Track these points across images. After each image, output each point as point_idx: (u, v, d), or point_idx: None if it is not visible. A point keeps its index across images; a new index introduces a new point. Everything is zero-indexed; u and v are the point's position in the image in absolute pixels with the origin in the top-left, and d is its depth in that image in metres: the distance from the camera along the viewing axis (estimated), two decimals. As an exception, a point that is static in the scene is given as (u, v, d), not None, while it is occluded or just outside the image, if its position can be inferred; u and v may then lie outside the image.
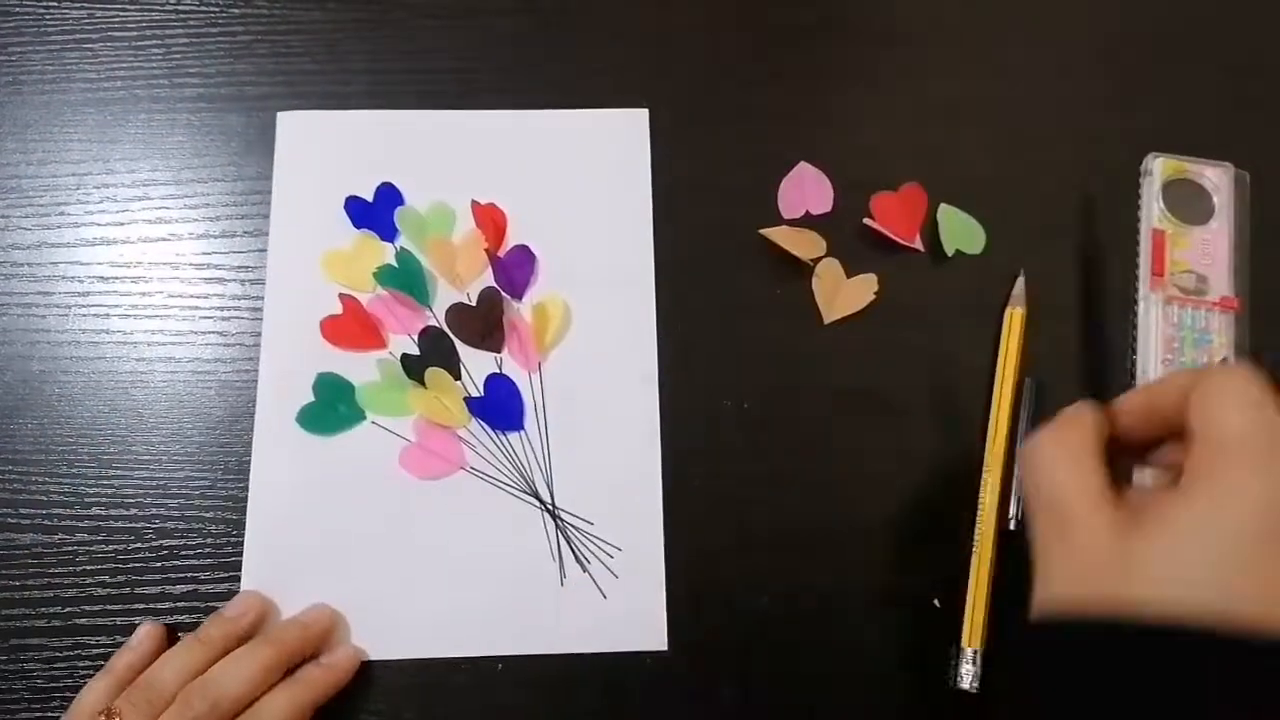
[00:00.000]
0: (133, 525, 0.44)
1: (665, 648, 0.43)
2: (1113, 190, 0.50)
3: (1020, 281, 0.48)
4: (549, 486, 0.45)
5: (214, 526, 0.45)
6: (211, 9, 0.52)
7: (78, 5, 0.52)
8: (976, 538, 0.44)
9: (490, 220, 0.49)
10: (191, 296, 0.48)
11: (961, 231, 0.49)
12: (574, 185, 0.50)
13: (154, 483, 0.45)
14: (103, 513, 0.45)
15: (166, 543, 0.44)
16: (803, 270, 0.48)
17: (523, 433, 0.46)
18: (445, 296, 0.48)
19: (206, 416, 0.46)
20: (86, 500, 0.45)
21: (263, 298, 0.48)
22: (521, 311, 0.48)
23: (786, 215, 0.49)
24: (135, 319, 0.48)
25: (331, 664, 0.42)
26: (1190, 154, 0.49)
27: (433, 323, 0.47)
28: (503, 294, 0.48)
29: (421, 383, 0.46)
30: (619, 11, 0.53)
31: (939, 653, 0.43)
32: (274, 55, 0.51)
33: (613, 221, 0.49)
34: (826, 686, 0.43)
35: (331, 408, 0.46)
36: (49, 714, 0.42)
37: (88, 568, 0.44)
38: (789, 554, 0.45)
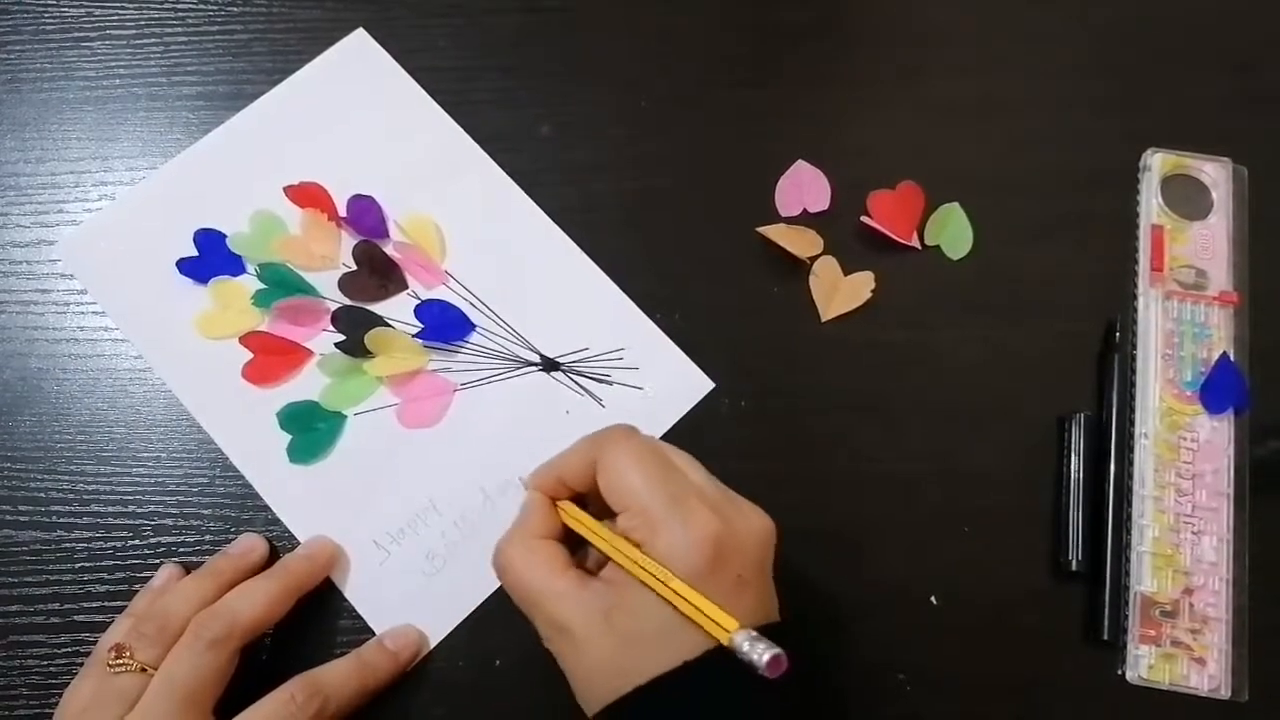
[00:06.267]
0: (131, 522, 0.44)
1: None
2: (1111, 186, 0.50)
3: None
4: (533, 349, 0.47)
5: (212, 524, 0.44)
6: (210, 7, 0.52)
7: (76, 3, 0.52)
8: None
9: (311, 196, 0.48)
10: (190, 294, 0.48)
11: (959, 229, 0.49)
12: (356, 125, 0.50)
13: (153, 480, 0.45)
14: (101, 510, 0.45)
15: (165, 540, 0.44)
16: (800, 268, 0.48)
17: (478, 329, 0.47)
18: (325, 279, 0.48)
19: (205, 414, 0.46)
20: (85, 497, 0.45)
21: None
22: (399, 243, 0.48)
23: (784, 213, 0.49)
24: (134, 317, 0.48)
25: (310, 555, 0.43)
26: (1188, 150, 0.49)
27: (335, 305, 0.47)
28: (372, 241, 0.48)
29: (368, 353, 0.46)
30: (619, 11, 0.53)
31: (939, 650, 0.43)
32: (273, 54, 0.51)
33: (413, 131, 0.50)
34: (827, 684, 0.43)
35: (311, 430, 0.45)
36: (47, 710, 0.42)
37: (86, 565, 0.44)
38: (786, 552, 0.45)
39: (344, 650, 0.42)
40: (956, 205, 0.49)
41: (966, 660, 0.44)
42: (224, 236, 0.48)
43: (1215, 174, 0.49)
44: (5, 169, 0.49)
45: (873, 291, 0.48)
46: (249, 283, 0.47)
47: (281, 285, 0.47)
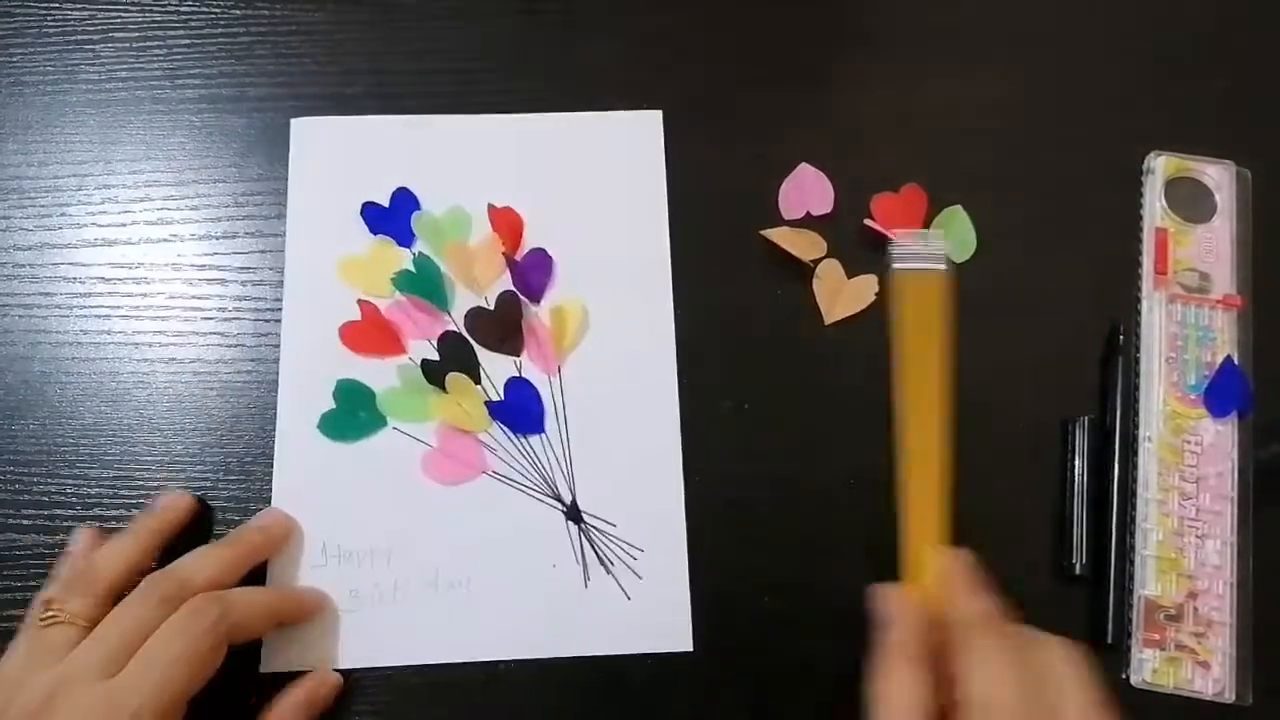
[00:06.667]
0: (134, 526, 0.44)
1: (690, 648, 0.43)
2: (1114, 189, 0.50)
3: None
4: (571, 489, 0.45)
5: (214, 528, 0.44)
6: (213, 10, 0.52)
7: (79, 6, 0.52)
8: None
9: (507, 224, 0.48)
10: (193, 298, 0.48)
11: (962, 232, 0.49)
12: (590, 188, 0.49)
13: (156, 484, 0.45)
14: (104, 514, 0.45)
15: (168, 543, 0.44)
16: (804, 271, 0.48)
17: (543, 435, 0.46)
18: (463, 301, 0.48)
19: (209, 418, 0.46)
20: (88, 501, 0.45)
21: (264, 299, 0.48)
22: (540, 315, 0.48)
23: (787, 216, 0.49)
24: (137, 320, 0.48)
25: (264, 527, 0.43)
26: (1191, 153, 0.49)
27: (452, 327, 0.47)
28: (521, 297, 0.47)
29: (442, 388, 0.46)
30: (619, 12, 0.53)
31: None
32: (275, 56, 0.51)
33: (629, 224, 0.49)
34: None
35: (353, 414, 0.46)
36: (50, 715, 0.42)
37: (89, 568, 0.44)
38: (789, 556, 0.45)
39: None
40: (959, 208, 0.49)
41: (970, 663, 0.43)
42: (418, 207, 0.48)
43: (1219, 177, 0.49)
44: (8, 172, 0.49)
45: (876, 294, 0.48)
46: (404, 258, 0.48)
47: (424, 282, 0.47)
